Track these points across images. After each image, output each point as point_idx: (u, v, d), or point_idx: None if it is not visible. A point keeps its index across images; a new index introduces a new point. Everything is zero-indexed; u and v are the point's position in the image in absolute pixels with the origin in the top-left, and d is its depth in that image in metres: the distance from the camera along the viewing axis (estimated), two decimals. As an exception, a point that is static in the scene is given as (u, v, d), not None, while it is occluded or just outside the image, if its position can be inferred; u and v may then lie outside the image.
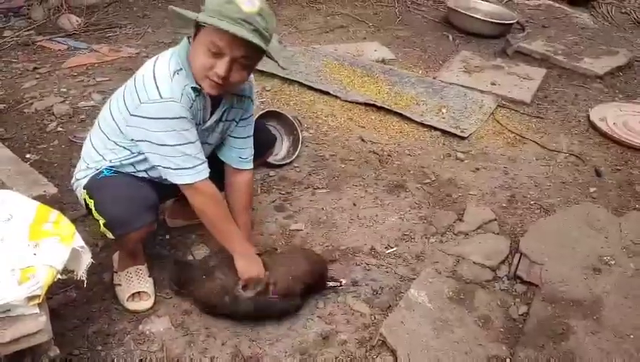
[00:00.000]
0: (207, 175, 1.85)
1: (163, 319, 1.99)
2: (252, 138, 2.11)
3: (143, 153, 1.84)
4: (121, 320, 1.99)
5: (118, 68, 3.88)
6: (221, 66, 1.70)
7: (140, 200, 1.85)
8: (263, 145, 2.26)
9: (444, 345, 1.92)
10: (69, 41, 4.24)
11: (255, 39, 1.66)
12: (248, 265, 1.96)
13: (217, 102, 1.91)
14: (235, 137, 2.07)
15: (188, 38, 1.81)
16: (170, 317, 2.00)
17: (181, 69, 1.77)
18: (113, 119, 1.88)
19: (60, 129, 3.10)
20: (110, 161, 1.92)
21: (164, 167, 1.81)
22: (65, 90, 3.51)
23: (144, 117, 1.74)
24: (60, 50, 4.09)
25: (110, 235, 1.87)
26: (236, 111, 2.02)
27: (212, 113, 1.93)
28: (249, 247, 2.02)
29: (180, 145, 1.76)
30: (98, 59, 3.97)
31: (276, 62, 1.82)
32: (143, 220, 1.85)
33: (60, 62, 3.89)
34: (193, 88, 1.78)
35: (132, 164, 1.92)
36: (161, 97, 1.71)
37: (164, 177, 1.85)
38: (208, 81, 1.75)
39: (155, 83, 1.73)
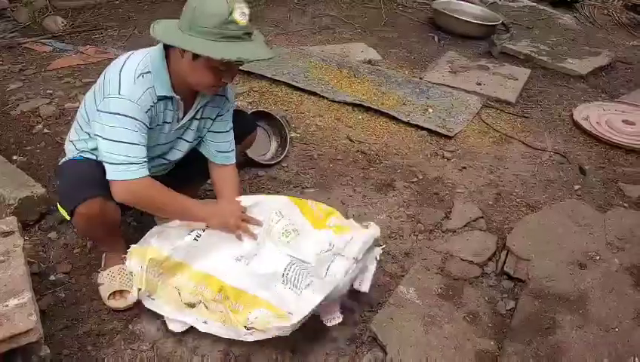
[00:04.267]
0: (140, 176, 1.80)
1: (153, 318, 1.98)
2: (232, 133, 2.15)
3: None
4: (111, 320, 1.99)
5: (104, 69, 3.85)
6: (230, 77, 1.82)
7: (90, 176, 1.85)
8: (242, 132, 2.26)
9: (434, 341, 1.94)
10: (55, 43, 4.22)
11: (269, 53, 1.81)
12: (219, 217, 1.96)
13: (191, 100, 1.96)
14: (213, 132, 2.11)
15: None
16: (160, 316, 2.00)
17: (149, 72, 1.80)
18: (86, 112, 1.92)
19: (46, 130, 3.09)
20: (80, 151, 1.96)
21: (103, 160, 1.80)
22: (51, 91, 3.49)
23: (103, 111, 1.77)
24: (45, 51, 4.07)
25: (65, 215, 1.89)
26: (211, 109, 2.06)
27: (185, 112, 1.97)
28: (206, 206, 2.02)
29: (121, 142, 1.76)
30: (84, 60, 3.96)
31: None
32: (88, 193, 1.82)
33: (45, 63, 3.87)
34: (161, 97, 1.83)
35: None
36: (119, 93, 1.75)
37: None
38: (212, 89, 1.87)
39: (119, 79, 1.77)
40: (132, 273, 1.90)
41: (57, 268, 2.18)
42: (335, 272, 1.89)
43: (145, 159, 1.82)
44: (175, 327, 1.88)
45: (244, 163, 2.87)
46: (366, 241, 1.99)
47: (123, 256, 1.98)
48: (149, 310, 1.95)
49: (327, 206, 2.18)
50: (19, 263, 1.72)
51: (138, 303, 1.99)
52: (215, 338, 1.91)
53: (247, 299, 1.82)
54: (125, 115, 1.75)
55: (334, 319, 1.92)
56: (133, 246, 1.93)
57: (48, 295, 2.06)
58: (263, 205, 2.07)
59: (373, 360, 1.87)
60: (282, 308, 1.79)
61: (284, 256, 1.92)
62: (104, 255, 2.15)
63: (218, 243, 1.94)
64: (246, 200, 2.09)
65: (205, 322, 1.85)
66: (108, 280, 2.06)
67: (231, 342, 1.90)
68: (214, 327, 1.85)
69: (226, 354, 1.88)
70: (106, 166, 1.80)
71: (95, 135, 1.82)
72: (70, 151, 2.00)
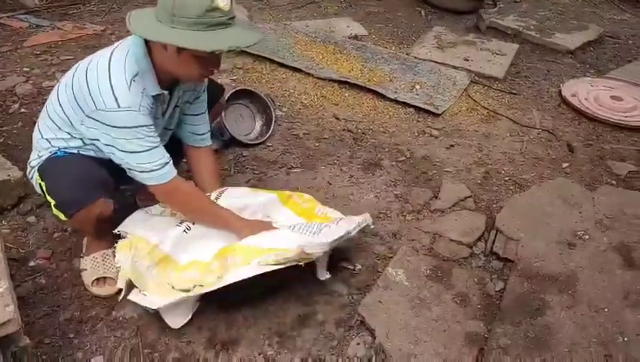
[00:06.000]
0: (174, 173, 1.83)
1: (137, 304, 1.93)
2: (207, 115, 2.12)
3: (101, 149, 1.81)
4: (93, 306, 1.94)
5: (83, 46, 3.75)
6: (217, 64, 1.77)
7: (88, 177, 1.80)
8: (212, 98, 2.20)
9: (423, 324, 1.91)
10: (31, 19, 4.09)
11: (257, 36, 1.79)
12: (252, 229, 1.91)
13: (171, 90, 1.90)
14: (189, 115, 2.07)
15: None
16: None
17: (137, 73, 1.71)
18: (64, 113, 1.82)
19: (23, 110, 2.99)
20: (59, 149, 1.87)
21: (129, 169, 1.79)
22: (27, 69, 3.38)
23: (104, 123, 1.70)
24: (21, 27, 3.95)
25: (62, 217, 1.82)
26: (190, 93, 2.01)
27: (169, 102, 1.92)
28: (242, 219, 1.97)
29: (142, 151, 1.73)
30: (61, 36, 3.84)
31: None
32: (90, 197, 1.80)
33: (21, 40, 3.75)
34: (153, 96, 1.77)
35: (89, 150, 1.88)
36: (119, 106, 1.67)
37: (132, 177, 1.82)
38: (200, 79, 1.87)
39: (113, 92, 1.66)
40: (120, 266, 1.84)
41: (37, 254, 2.13)
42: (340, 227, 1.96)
43: (168, 155, 1.82)
44: (174, 324, 1.83)
45: (229, 142, 2.81)
46: (360, 222, 2.08)
47: (112, 248, 1.94)
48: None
49: (308, 195, 2.26)
50: (-5, 251, 1.66)
51: (121, 290, 1.94)
52: (200, 325, 1.88)
53: (245, 251, 1.80)
54: (134, 126, 1.69)
55: (326, 274, 2.00)
56: (120, 241, 1.87)
57: (28, 281, 2.01)
58: (250, 207, 2.05)
59: (362, 344, 1.85)
60: (291, 246, 1.80)
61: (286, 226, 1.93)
62: (85, 239, 2.09)
63: (208, 235, 1.91)
64: (232, 193, 2.05)
65: (219, 277, 1.78)
66: (91, 266, 2.00)
67: (217, 327, 1.87)
68: (232, 275, 1.77)
69: (212, 339, 1.84)
70: (137, 174, 1.78)
71: (107, 145, 1.75)
72: (44, 149, 1.89)
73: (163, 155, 1.79)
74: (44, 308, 1.92)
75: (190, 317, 1.85)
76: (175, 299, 1.78)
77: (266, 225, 1.96)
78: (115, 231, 1.93)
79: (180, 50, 1.65)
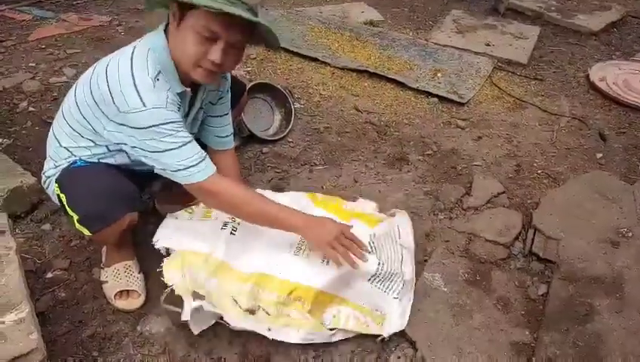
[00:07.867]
0: (214, 169, 1.67)
1: (163, 318, 1.83)
2: (229, 116, 1.99)
3: (128, 152, 1.68)
4: (117, 321, 1.84)
5: (90, 38, 3.62)
6: (216, 53, 1.54)
7: (114, 191, 1.67)
8: (234, 95, 2.07)
9: (465, 333, 1.81)
10: (34, 10, 3.96)
11: (263, 20, 1.53)
12: (319, 228, 1.74)
13: (196, 90, 1.76)
14: (211, 116, 1.94)
15: (165, 25, 1.62)
16: (170, 315, 1.84)
17: (160, 71, 1.58)
18: (86, 120, 1.68)
19: (31, 108, 2.87)
20: (80, 158, 1.75)
21: (162, 170, 1.64)
22: (33, 64, 3.25)
23: (129, 126, 1.56)
24: (24, 20, 3.81)
25: (86, 232, 1.69)
26: (214, 93, 1.88)
27: (193, 103, 1.79)
28: (301, 215, 1.76)
29: (175, 148, 1.59)
30: (67, 29, 3.71)
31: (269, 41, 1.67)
32: (118, 213, 1.68)
33: (25, 33, 3.62)
34: (177, 93, 1.63)
35: (110, 157, 1.76)
36: (145, 105, 1.53)
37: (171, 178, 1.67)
38: (201, 70, 1.59)
39: (137, 91, 1.53)
40: (173, 286, 1.70)
41: (54, 264, 2.02)
42: (410, 271, 1.90)
43: (203, 151, 1.66)
44: (195, 329, 1.72)
45: (247, 139, 2.69)
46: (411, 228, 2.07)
47: (134, 260, 1.87)
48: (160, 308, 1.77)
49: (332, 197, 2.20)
50: (13, 269, 1.55)
51: (145, 303, 1.84)
52: (231, 340, 1.77)
53: (322, 298, 1.74)
54: (162, 123, 1.55)
55: None
56: (166, 259, 1.76)
57: (47, 295, 1.90)
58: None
59: (403, 358, 1.74)
60: (367, 306, 1.77)
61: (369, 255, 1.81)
62: (104, 249, 1.98)
63: (259, 234, 1.79)
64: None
65: (269, 329, 1.69)
66: (113, 278, 1.90)
67: (248, 342, 1.77)
68: (284, 333, 1.70)
69: (244, 355, 1.74)
70: (173, 174, 1.63)
71: (134, 148, 1.61)
72: (63, 159, 1.77)
73: (199, 150, 1.64)
74: (65, 324, 1.81)
75: (213, 322, 1.74)
76: (247, 326, 1.70)
77: (335, 224, 1.77)
78: (156, 246, 1.80)
79: (180, 20, 1.52)
